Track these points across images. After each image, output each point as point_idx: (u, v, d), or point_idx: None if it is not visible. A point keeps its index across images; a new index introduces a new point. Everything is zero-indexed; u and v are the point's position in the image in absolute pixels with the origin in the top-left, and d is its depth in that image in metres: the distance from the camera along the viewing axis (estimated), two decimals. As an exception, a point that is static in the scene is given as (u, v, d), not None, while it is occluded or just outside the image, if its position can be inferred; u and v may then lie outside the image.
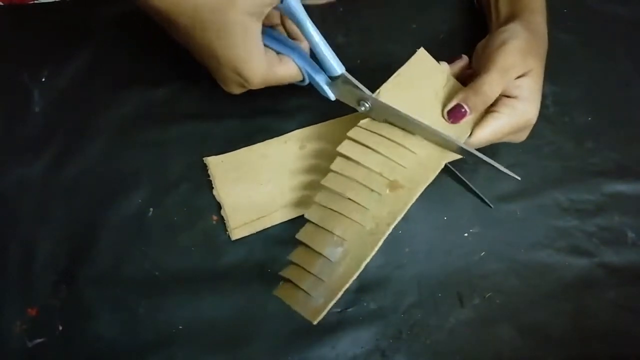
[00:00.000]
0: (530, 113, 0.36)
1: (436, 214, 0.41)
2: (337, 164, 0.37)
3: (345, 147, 0.37)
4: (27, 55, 0.44)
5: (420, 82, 0.38)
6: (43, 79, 0.43)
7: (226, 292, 0.38)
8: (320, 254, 0.34)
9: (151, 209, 0.40)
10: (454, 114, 0.36)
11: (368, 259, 0.33)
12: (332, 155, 0.42)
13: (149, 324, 0.37)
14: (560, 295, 0.39)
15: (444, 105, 0.37)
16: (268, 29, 0.37)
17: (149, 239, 0.39)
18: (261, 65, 0.33)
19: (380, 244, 0.33)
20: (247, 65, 0.33)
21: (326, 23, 0.47)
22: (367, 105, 0.37)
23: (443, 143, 0.36)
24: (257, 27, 0.32)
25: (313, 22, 0.33)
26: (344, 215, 0.35)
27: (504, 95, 0.36)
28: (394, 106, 0.36)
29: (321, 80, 0.37)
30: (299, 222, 0.40)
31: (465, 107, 0.35)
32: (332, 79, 0.36)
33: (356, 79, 0.36)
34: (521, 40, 0.36)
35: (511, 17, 0.40)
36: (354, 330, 0.38)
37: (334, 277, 0.33)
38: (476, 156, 0.35)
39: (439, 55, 0.46)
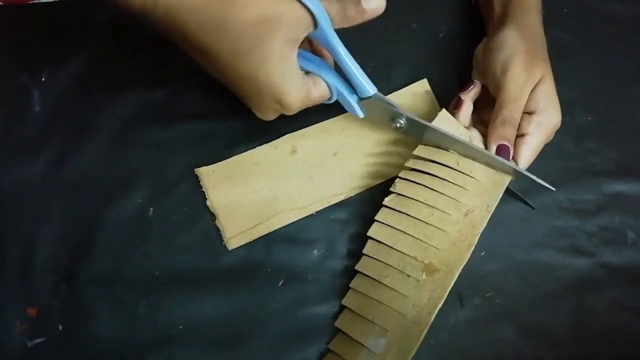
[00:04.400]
0: (555, 119, 0.37)
1: (436, 214, 0.41)
2: (370, 248, 0.37)
3: (374, 231, 0.37)
4: (27, 55, 0.44)
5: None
6: (43, 79, 0.43)
7: (226, 292, 0.38)
8: (363, 345, 0.34)
9: (151, 209, 0.40)
10: (502, 154, 0.36)
11: (414, 352, 0.33)
12: (324, 156, 0.42)
13: (149, 324, 0.37)
14: (560, 295, 0.39)
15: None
16: None
17: (149, 239, 0.39)
18: (300, 93, 0.34)
19: (424, 334, 0.33)
20: (287, 93, 0.33)
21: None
22: (402, 122, 0.37)
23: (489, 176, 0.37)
24: (294, 54, 0.32)
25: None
26: (383, 304, 0.34)
27: (526, 113, 0.37)
28: (430, 124, 0.36)
29: (352, 98, 0.37)
30: (298, 222, 0.40)
31: (506, 142, 0.36)
32: (362, 99, 0.36)
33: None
34: (521, 54, 0.37)
35: (504, 17, 0.40)
36: (354, 330, 0.38)
37: None
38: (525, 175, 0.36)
39: (439, 55, 0.46)
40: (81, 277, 0.38)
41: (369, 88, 0.35)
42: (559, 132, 0.39)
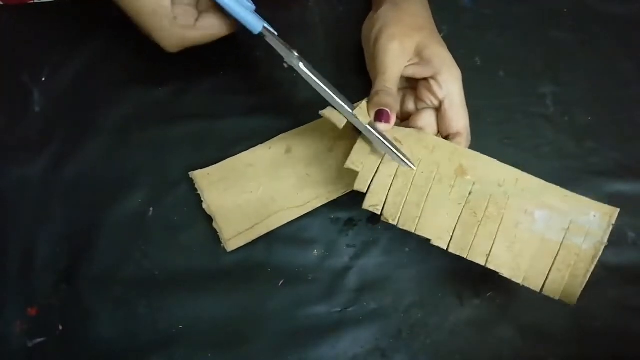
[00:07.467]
0: (456, 72, 0.37)
1: (436, 214, 0.41)
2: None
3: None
4: (27, 55, 0.44)
5: None
6: (43, 79, 0.43)
7: (226, 292, 0.38)
8: None
9: (151, 209, 0.40)
10: (381, 117, 0.35)
11: None
12: (320, 153, 0.41)
13: (149, 324, 0.37)
14: (560, 295, 0.39)
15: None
16: None
17: (149, 239, 0.39)
18: (172, 35, 0.36)
19: None
20: (159, 34, 0.36)
21: (326, 23, 0.47)
22: (294, 63, 0.35)
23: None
24: None
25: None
26: None
27: (429, 78, 0.37)
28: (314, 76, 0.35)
29: (246, 12, 0.35)
30: (298, 222, 0.40)
31: (385, 108, 0.35)
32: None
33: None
34: (390, 26, 0.37)
35: None
36: (354, 330, 0.38)
37: None
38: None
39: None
40: (81, 277, 0.38)
41: (256, 26, 0.35)
42: (559, 132, 0.39)
